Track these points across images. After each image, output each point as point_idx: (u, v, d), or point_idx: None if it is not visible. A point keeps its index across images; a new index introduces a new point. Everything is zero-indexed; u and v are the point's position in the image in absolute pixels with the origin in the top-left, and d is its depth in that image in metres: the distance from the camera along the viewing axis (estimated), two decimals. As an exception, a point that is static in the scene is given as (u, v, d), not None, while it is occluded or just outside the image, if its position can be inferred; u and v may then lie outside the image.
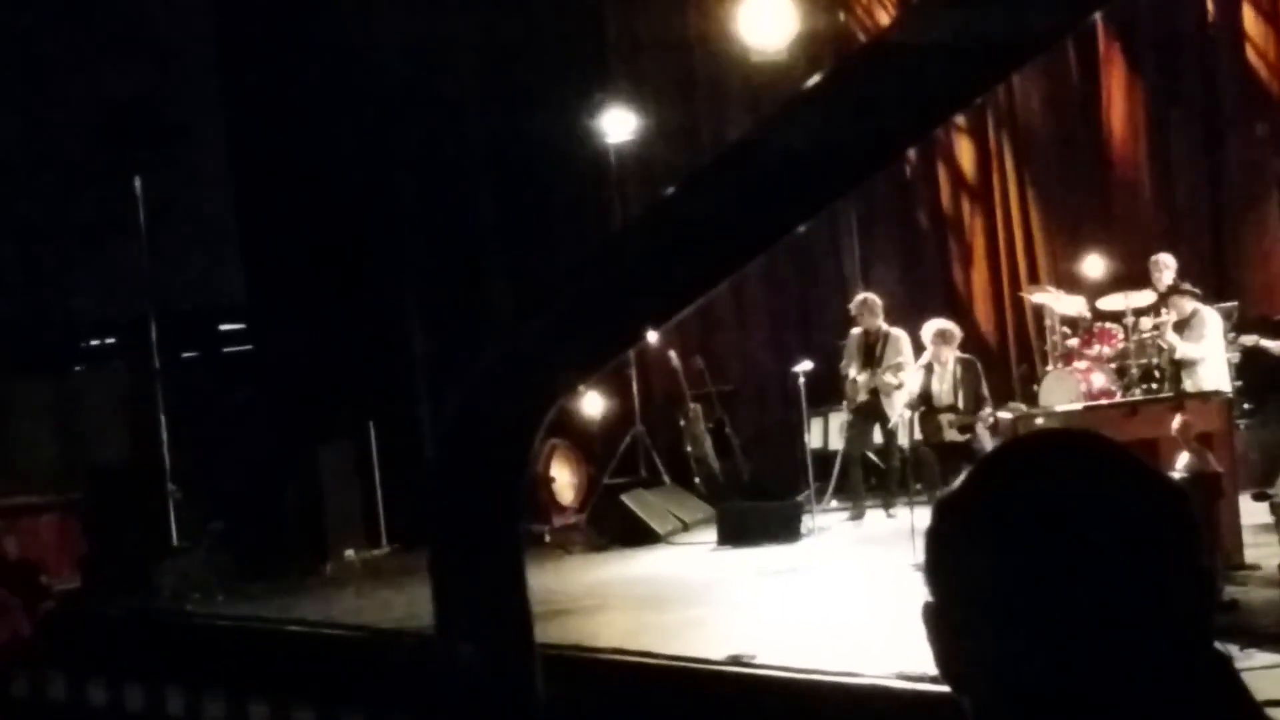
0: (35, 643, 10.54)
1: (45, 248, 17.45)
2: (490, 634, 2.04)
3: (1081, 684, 1.29)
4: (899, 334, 12.70)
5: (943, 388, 11.83)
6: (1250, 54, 13.65)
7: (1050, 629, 1.29)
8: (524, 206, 14.89)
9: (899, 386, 12.43)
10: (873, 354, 12.75)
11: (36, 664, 10.51)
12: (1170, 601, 1.31)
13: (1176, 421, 8.47)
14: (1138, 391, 11.42)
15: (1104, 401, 11.00)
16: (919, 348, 12.29)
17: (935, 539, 1.39)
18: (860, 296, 13.22)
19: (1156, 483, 1.36)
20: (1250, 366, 12.00)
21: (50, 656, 10.55)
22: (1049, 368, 12.41)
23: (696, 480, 13.94)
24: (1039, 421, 9.58)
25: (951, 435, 11.74)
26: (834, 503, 13.15)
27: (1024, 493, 1.34)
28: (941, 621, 1.36)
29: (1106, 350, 12.08)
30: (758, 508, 12.37)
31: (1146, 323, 11.96)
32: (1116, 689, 1.29)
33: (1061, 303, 12.55)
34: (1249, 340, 11.84)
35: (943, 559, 1.37)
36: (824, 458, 13.48)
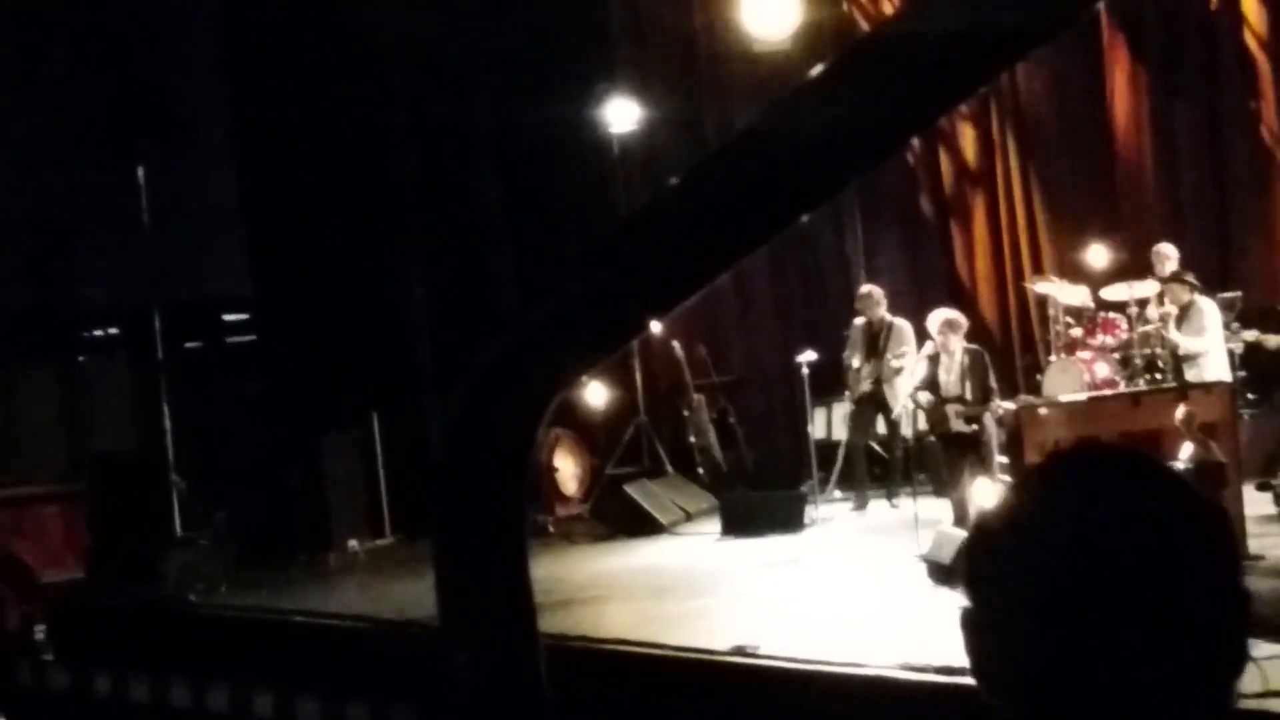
0: (21, 636, 10.57)
1: (50, 238, 17.45)
2: (494, 625, 2.04)
3: (1122, 699, 1.31)
4: (903, 324, 12.68)
5: (950, 378, 11.77)
6: (1253, 43, 13.62)
7: (1091, 648, 1.30)
8: (528, 196, 14.88)
9: (899, 371, 12.42)
10: (876, 344, 12.74)
11: (37, 655, 10.55)
12: (1210, 621, 1.33)
13: (1180, 411, 8.47)
14: (1141, 381, 11.40)
15: (1107, 392, 10.99)
16: (922, 337, 12.26)
17: (977, 552, 1.38)
18: (865, 288, 13.21)
19: (1198, 503, 1.38)
20: (1253, 357, 11.98)
21: (51, 647, 10.59)
22: (1053, 357, 12.39)
23: (700, 470, 13.93)
24: (1042, 411, 9.56)
25: (958, 426, 11.71)
26: (837, 493, 13.13)
27: (1068, 510, 1.35)
28: (980, 630, 1.37)
29: (1110, 340, 12.06)
30: (761, 498, 12.37)
31: (1151, 313, 11.93)
32: (1156, 705, 1.31)
33: (1065, 292, 12.53)
34: (1249, 335, 11.81)
35: (985, 572, 1.38)
36: (827, 448, 13.47)
